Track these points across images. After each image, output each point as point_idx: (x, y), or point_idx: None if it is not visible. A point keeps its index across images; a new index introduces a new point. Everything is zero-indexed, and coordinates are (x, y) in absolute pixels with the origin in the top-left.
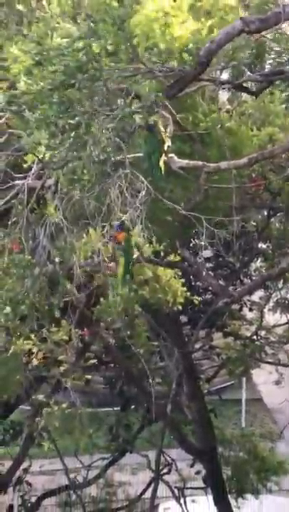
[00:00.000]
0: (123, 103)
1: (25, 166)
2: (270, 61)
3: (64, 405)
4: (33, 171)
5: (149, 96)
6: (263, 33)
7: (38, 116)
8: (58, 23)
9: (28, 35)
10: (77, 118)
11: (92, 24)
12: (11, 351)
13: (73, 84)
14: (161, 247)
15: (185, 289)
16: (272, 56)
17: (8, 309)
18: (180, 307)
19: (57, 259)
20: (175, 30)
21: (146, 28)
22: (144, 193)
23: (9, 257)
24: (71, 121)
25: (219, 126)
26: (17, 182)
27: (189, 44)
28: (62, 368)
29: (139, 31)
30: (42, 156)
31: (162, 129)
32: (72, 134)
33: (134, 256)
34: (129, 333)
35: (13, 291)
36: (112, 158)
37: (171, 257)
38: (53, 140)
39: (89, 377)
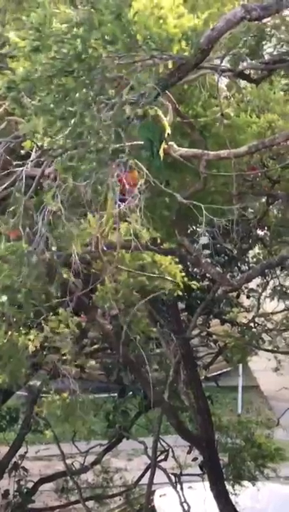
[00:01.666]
0: (120, 92)
1: (22, 152)
2: (271, 49)
3: (65, 394)
4: (31, 158)
5: (147, 85)
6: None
7: (36, 103)
8: (57, 8)
9: (26, 22)
10: (75, 107)
11: (92, 9)
12: (5, 340)
13: (71, 71)
14: (158, 234)
15: (184, 274)
16: (273, 44)
17: (4, 298)
18: (178, 293)
19: (54, 248)
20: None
21: (144, 18)
22: (143, 181)
23: (6, 244)
24: (70, 109)
25: (219, 114)
26: (15, 169)
27: (188, 32)
28: (59, 355)
29: (138, 20)
30: (40, 143)
31: (162, 116)
32: (70, 123)
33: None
34: (127, 319)
35: (9, 278)
36: (110, 148)
37: (168, 244)
38: (50, 128)
39: (88, 364)
